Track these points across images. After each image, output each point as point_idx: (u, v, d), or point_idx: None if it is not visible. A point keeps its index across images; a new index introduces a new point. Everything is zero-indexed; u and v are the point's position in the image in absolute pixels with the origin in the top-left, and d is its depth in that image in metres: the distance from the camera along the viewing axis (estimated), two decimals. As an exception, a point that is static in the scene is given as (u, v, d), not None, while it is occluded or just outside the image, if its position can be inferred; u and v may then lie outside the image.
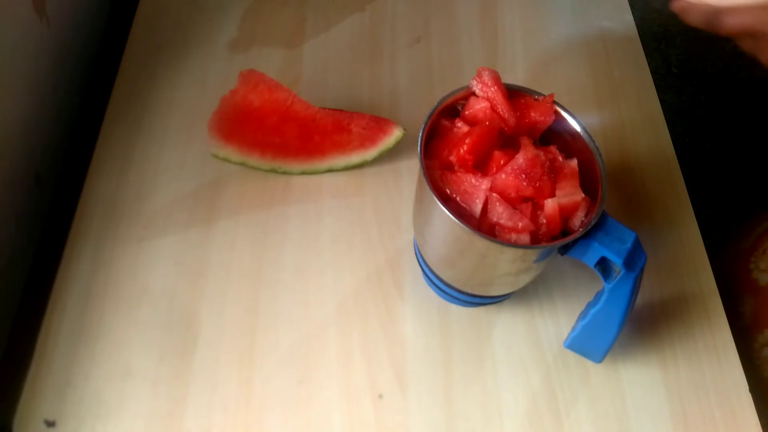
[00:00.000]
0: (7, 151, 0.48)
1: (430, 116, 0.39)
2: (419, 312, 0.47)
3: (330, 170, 0.52)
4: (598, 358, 0.44)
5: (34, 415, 0.41)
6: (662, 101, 0.59)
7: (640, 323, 0.47)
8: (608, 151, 0.56)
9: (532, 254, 0.38)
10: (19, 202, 0.50)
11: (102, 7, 0.64)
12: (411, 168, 0.53)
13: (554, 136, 0.41)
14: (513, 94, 0.41)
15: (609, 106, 0.59)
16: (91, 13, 0.62)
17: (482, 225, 0.37)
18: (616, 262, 0.36)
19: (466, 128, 0.39)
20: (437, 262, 0.43)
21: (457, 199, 0.38)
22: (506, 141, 0.40)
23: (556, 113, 0.41)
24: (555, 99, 0.41)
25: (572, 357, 0.45)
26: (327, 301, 0.47)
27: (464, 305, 0.47)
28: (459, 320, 0.47)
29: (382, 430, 0.42)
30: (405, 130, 0.51)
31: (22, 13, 0.50)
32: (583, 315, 0.42)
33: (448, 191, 0.38)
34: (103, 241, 0.48)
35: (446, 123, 0.41)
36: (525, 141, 0.39)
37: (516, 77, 0.59)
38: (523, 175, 0.37)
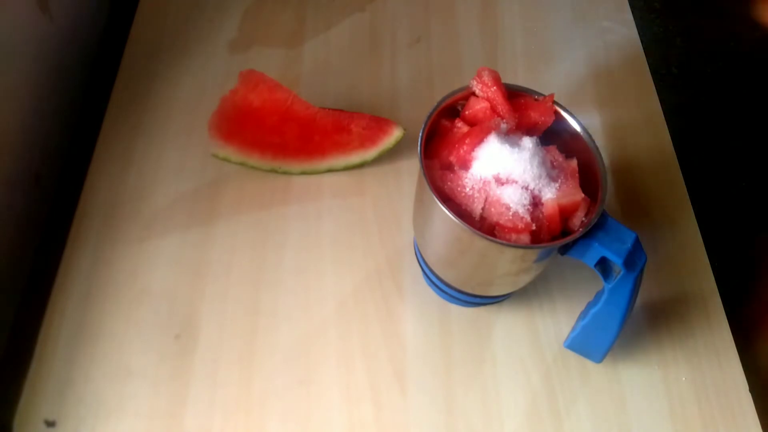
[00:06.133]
0: (7, 151, 0.48)
1: (430, 116, 0.39)
2: (419, 312, 0.47)
3: (330, 170, 0.52)
4: (598, 358, 0.44)
5: (34, 415, 0.41)
6: (662, 101, 0.59)
7: (640, 323, 0.47)
8: (608, 151, 0.56)
9: (532, 254, 0.38)
10: (19, 202, 0.50)
11: (102, 6, 0.64)
12: (411, 168, 0.53)
13: (554, 136, 0.41)
14: (513, 94, 0.41)
15: (609, 106, 0.59)
16: (92, 13, 0.62)
17: (482, 225, 0.37)
18: (616, 262, 0.36)
19: (466, 128, 0.39)
20: (437, 262, 0.43)
21: (457, 199, 0.38)
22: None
23: (556, 113, 0.41)
24: (555, 99, 0.41)
25: (572, 357, 0.45)
26: (327, 301, 0.47)
27: (464, 305, 0.47)
28: (459, 320, 0.47)
29: (382, 430, 0.42)
30: (405, 130, 0.52)
31: (25, 7, 0.50)
32: (583, 315, 0.42)
33: (448, 191, 0.38)
34: (103, 241, 0.48)
35: (446, 123, 0.41)
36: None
37: (516, 77, 0.59)
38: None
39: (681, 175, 0.54)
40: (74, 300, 0.46)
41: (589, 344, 0.43)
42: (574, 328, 0.43)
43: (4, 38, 0.47)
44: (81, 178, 0.51)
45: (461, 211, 0.37)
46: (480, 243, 0.37)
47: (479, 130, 0.38)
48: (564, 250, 0.38)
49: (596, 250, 0.37)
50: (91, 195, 0.50)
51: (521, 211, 0.36)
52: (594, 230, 0.37)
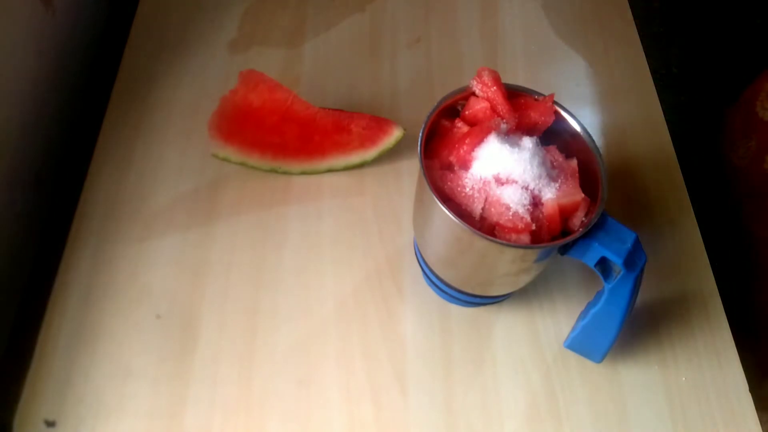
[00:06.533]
0: (7, 151, 0.48)
1: (430, 116, 0.39)
2: (419, 312, 0.47)
3: (330, 170, 0.52)
4: (598, 358, 0.44)
5: (34, 415, 0.41)
6: (662, 101, 0.59)
7: (640, 323, 0.47)
8: (608, 151, 0.56)
9: (532, 254, 0.38)
10: (19, 202, 0.50)
11: (102, 6, 0.64)
12: (411, 168, 0.53)
13: (554, 136, 0.41)
14: (513, 94, 0.41)
15: (609, 106, 0.59)
16: (92, 13, 0.62)
17: (482, 225, 0.37)
18: (616, 262, 0.36)
19: (466, 128, 0.39)
20: (437, 262, 0.43)
21: (457, 199, 0.38)
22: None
23: (556, 113, 0.41)
24: (555, 99, 0.41)
25: (572, 357, 0.45)
26: (327, 301, 0.47)
27: (464, 305, 0.47)
28: (459, 320, 0.47)
29: (382, 430, 0.42)
30: (405, 130, 0.52)
31: (27, 3, 0.49)
32: (583, 315, 0.42)
33: (448, 191, 0.38)
34: (103, 241, 0.48)
35: (446, 123, 0.41)
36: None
37: (516, 77, 0.59)
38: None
39: (681, 175, 0.54)
40: (74, 300, 0.46)
41: (589, 344, 0.43)
42: (574, 328, 0.43)
43: (5, 35, 0.47)
44: (81, 178, 0.51)
45: (461, 211, 0.37)
46: (480, 243, 0.37)
47: (479, 130, 0.38)
48: (564, 250, 0.38)
49: (596, 250, 0.37)
50: (91, 195, 0.50)
51: (521, 211, 0.36)
52: (594, 230, 0.37)
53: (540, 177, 0.37)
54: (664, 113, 0.58)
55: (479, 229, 0.36)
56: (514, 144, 0.38)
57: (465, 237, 0.37)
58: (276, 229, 0.50)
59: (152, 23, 0.61)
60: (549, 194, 0.37)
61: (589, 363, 0.45)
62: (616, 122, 0.58)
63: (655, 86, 0.60)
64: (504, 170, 0.37)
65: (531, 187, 0.37)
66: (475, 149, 0.38)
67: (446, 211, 0.36)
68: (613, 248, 0.36)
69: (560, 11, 0.65)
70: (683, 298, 0.49)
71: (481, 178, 0.37)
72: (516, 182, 0.37)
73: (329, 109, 0.52)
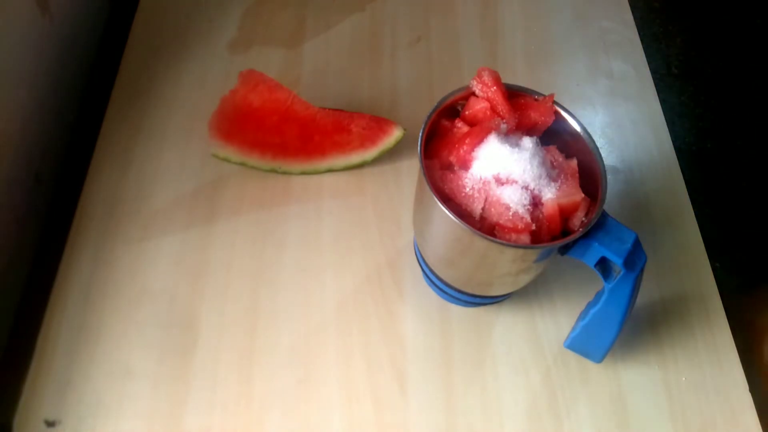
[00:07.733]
0: (7, 151, 0.48)
1: (430, 116, 0.39)
2: (419, 312, 0.47)
3: (330, 170, 0.52)
4: (598, 358, 0.44)
5: (34, 415, 0.41)
6: (662, 101, 0.59)
7: (640, 323, 0.47)
8: (608, 151, 0.56)
9: (532, 254, 0.38)
10: (19, 202, 0.50)
11: (102, 6, 0.64)
12: (411, 168, 0.53)
13: (554, 136, 0.41)
14: (513, 94, 0.41)
15: (609, 106, 0.59)
16: (92, 12, 0.62)
17: (482, 225, 0.37)
18: (616, 262, 0.36)
19: (466, 128, 0.39)
20: (437, 262, 0.43)
21: (457, 199, 0.38)
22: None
23: (556, 113, 0.41)
24: (555, 99, 0.41)
25: (572, 357, 0.45)
26: (327, 300, 0.47)
27: (464, 305, 0.47)
28: (459, 320, 0.47)
29: (382, 430, 0.42)
30: (405, 130, 0.52)
31: (25, 8, 0.50)
32: (583, 315, 0.42)
33: (448, 191, 0.38)
34: (103, 241, 0.48)
35: (446, 123, 0.41)
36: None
37: (516, 77, 0.59)
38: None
39: (681, 175, 0.54)
40: (74, 300, 0.46)
41: (589, 344, 0.43)
42: (574, 328, 0.43)
43: (4, 38, 0.47)
44: (81, 178, 0.51)
45: (461, 211, 0.37)
46: (480, 243, 0.37)
47: (479, 130, 0.38)
48: (564, 250, 0.38)
49: (596, 250, 0.37)
50: (91, 195, 0.50)
51: (521, 211, 0.36)
52: (594, 230, 0.37)
53: (540, 177, 0.37)
54: (664, 113, 0.58)
55: (479, 229, 0.36)
56: (514, 144, 0.38)
57: (465, 237, 0.37)
58: (276, 229, 0.50)
59: (152, 23, 0.61)
60: (549, 194, 0.37)
61: (589, 363, 0.45)
62: (616, 122, 0.58)
63: (655, 86, 0.60)
64: (504, 170, 0.37)
65: (531, 187, 0.37)
66: (475, 149, 0.38)
67: (446, 211, 0.36)
68: (613, 248, 0.36)
69: (560, 11, 0.65)
70: (683, 298, 0.49)
71: (481, 178, 0.37)
72: (516, 182, 0.37)
73: (329, 109, 0.52)
